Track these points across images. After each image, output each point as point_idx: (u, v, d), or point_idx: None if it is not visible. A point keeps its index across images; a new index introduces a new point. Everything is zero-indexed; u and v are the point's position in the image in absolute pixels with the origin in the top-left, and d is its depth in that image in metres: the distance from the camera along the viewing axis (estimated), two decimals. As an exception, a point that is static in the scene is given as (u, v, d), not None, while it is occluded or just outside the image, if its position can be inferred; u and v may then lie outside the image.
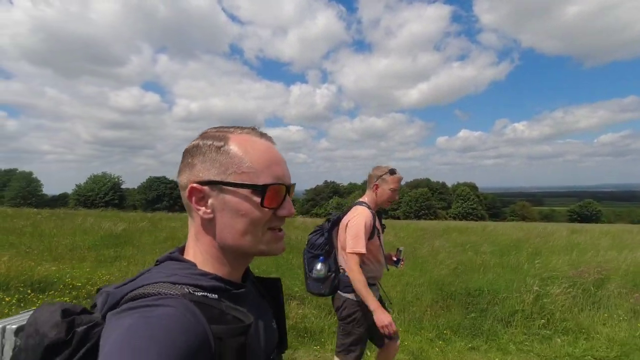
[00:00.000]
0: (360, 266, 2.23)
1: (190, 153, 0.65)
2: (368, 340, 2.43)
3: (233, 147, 0.63)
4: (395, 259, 2.61)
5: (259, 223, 0.63)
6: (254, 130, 0.67)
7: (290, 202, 0.67)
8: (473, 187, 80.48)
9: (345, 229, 2.29)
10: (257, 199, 0.62)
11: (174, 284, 0.56)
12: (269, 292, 0.78)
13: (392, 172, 2.34)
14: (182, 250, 0.67)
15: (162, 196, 64.91)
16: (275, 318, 0.76)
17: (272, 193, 0.62)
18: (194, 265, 0.62)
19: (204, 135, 0.66)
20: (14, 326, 0.75)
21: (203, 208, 0.62)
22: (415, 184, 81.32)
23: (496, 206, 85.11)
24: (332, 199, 70.58)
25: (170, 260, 0.64)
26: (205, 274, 0.61)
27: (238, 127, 0.67)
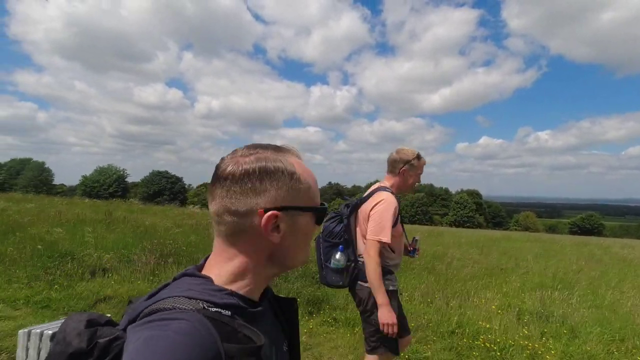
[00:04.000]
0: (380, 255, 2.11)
1: (256, 177, 0.61)
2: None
3: (299, 172, 0.64)
4: (411, 248, 2.45)
5: (311, 239, 0.70)
6: (293, 151, 0.68)
7: None
8: (475, 194, 79.43)
9: (369, 215, 2.14)
10: (314, 219, 0.67)
11: (189, 298, 0.56)
12: (283, 312, 0.75)
13: (419, 157, 2.27)
14: (199, 267, 0.66)
15: (163, 190, 67.44)
16: (287, 340, 0.73)
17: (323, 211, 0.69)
18: (210, 280, 0.61)
19: (262, 158, 0.62)
20: (50, 332, 0.77)
21: (276, 234, 0.62)
22: (418, 189, 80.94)
23: (500, 215, 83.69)
24: (334, 200, 71.32)
25: (185, 276, 0.63)
26: (220, 290, 0.59)
27: (282, 148, 0.66)
